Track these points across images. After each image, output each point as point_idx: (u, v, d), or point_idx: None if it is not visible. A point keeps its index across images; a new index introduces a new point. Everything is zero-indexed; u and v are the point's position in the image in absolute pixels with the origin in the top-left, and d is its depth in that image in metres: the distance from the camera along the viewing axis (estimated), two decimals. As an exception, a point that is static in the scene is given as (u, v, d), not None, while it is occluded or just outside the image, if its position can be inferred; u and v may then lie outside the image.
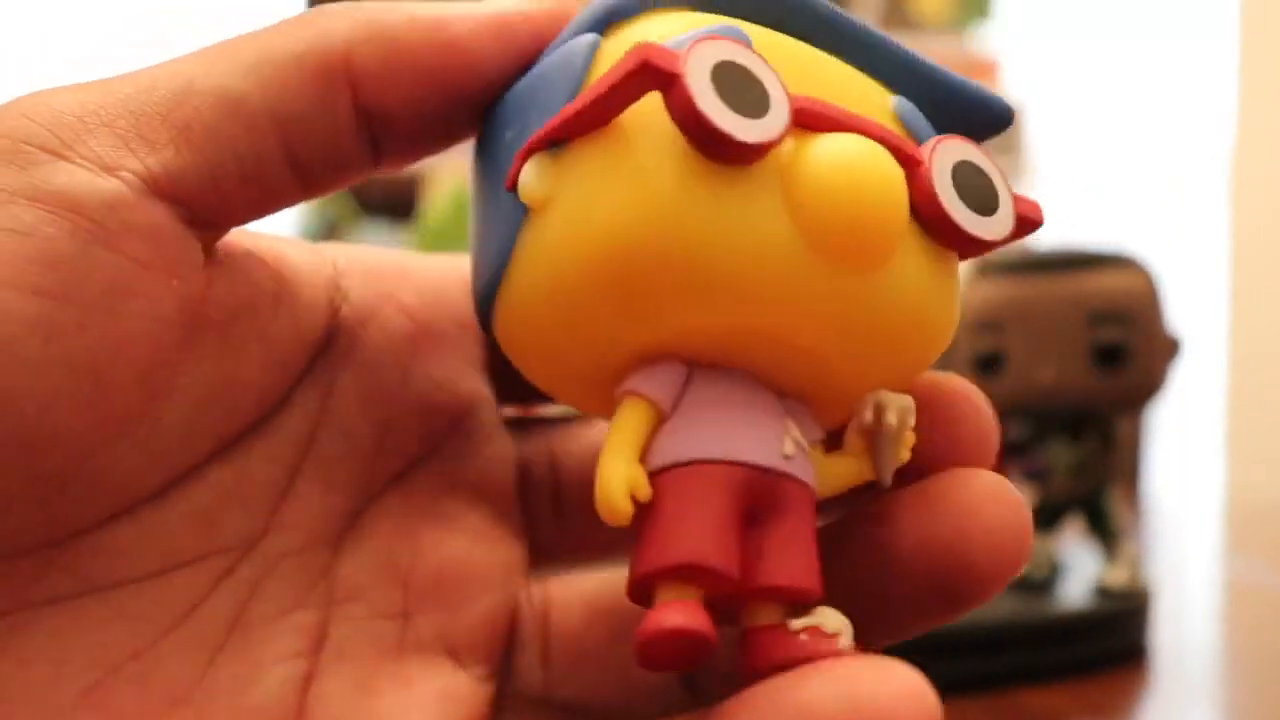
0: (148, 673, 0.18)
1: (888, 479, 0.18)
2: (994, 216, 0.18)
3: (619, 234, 0.16)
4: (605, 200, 0.16)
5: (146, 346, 0.17)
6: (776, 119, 0.16)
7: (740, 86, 0.16)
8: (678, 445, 0.16)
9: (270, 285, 0.19)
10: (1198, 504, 0.94)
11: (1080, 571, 0.42)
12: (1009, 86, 1.00)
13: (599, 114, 0.16)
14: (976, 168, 0.18)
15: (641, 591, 0.16)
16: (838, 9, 0.18)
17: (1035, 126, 0.98)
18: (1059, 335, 0.39)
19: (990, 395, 0.40)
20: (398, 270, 0.21)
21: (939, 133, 0.18)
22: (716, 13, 0.18)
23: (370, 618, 0.19)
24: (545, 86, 0.18)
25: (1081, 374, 0.39)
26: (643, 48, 0.15)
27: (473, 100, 0.19)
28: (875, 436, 0.18)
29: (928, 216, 0.17)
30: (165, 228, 0.17)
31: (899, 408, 0.18)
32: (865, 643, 0.18)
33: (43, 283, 0.16)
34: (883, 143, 0.17)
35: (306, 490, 0.19)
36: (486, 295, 0.18)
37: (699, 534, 0.16)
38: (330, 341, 0.20)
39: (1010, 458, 0.43)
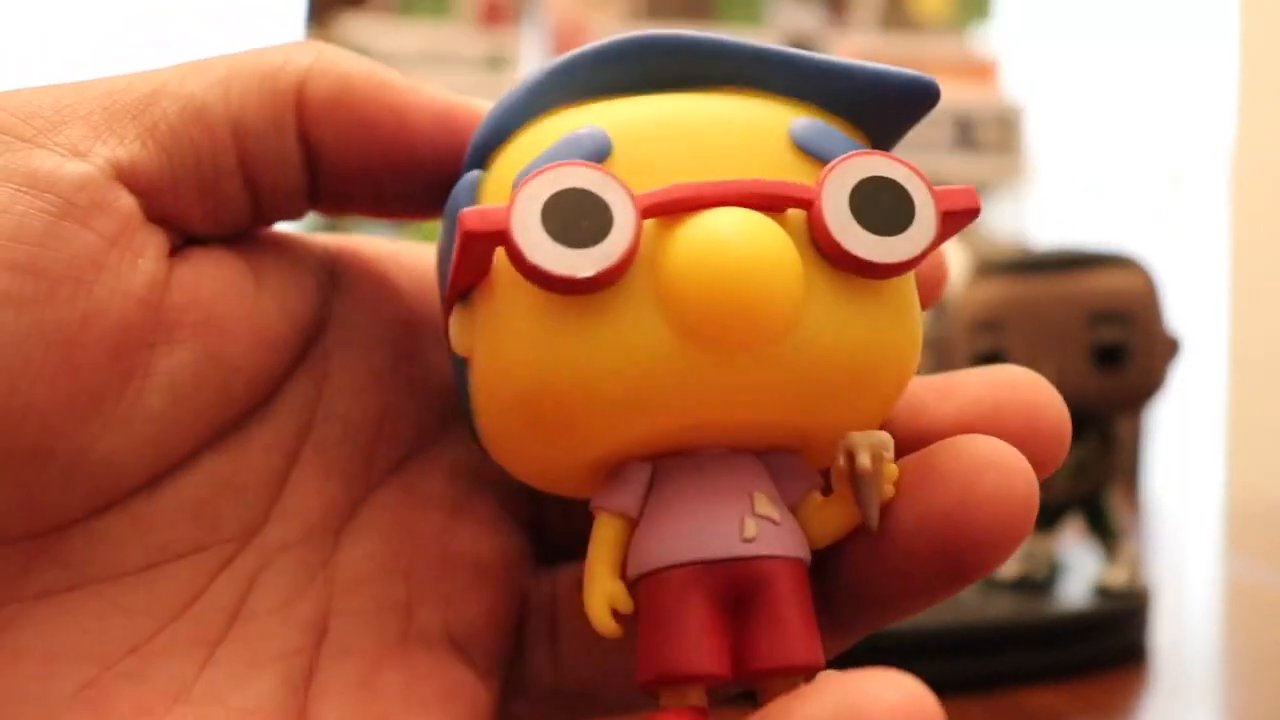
0: (145, 669, 0.18)
1: (874, 521, 0.17)
2: (905, 233, 0.16)
3: (516, 382, 0.17)
4: (499, 350, 0.17)
5: (116, 322, 0.17)
6: (619, 238, 0.16)
7: (577, 214, 0.16)
8: (645, 555, 0.17)
9: (251, 269, 0.19)
10: (1198, 504, 0.94)
11: (1080, 571, 0.42)
12: (1009, 86, 1.00)
13: (466, 278, 0.17)
14: (883, 181, 0.17)
15: (647, 692, 0.17)
16: (732, 39, 0.18)
17: (1035, 126, 0.98)
18: (1059, 335, 0.39)
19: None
20: (391, 258, 0.21)
21: (872, 125, 0.18)
22: (599, 93, 0.18)
23: (372, 610, 0.19)
24: (448, 226, 0.18)
25: (1081, 374, 0.39)
26: (463, 217, 0.16)
27: (403, 171, 0.19)
28: (854, 480, 0.17)
29: (829, 253, 0.16)
30: (131, 212, 0.17)
31: (871, 447, 0.17)
32: (875, 622, 0.18)
33: (12, 256, 0.16)
34: (761, 200, 0.16)
35: (305, 480, 0.19)
36: (466, 411, 0.18)
37: (679, 644, 0.16)
38: (324, 328, 0.20)
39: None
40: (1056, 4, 1.74)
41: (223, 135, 0.18)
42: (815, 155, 0.17)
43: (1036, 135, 1.00)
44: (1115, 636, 0.38)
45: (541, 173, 0.16)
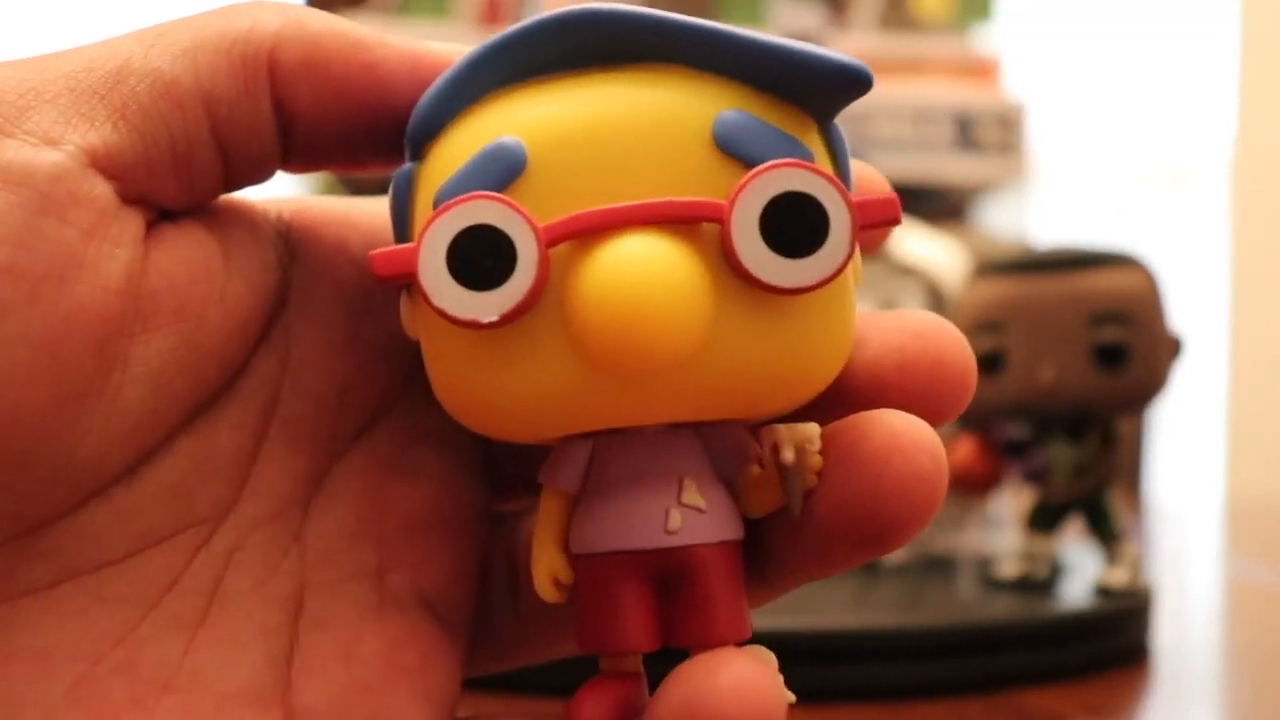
0: (132, 660, 0.18)
1: (796, 509, 0.18)
2: (818, 253, 0.16)
3: (441, 394, 0.18)
4: (428, 360, 0.18)
5: (97, 318, 0.17)
6: (523, 277, 0.16)
7: (482, 252, 0.16)
8: (580, 537, 0.18)
9: (220, 248, 0.19)
10: (1198, 504, 0.94)
11: (1080, 572, 0.42)
12: (1009, 86, 1.00)
13: (399, 283, 0.17)
14: (798, 198, 0.16)
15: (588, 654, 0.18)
16: (666, 15, 0.17)
17: (1035, 126, 0.98)
18: (1059, 335, 0.39)
19: (990, 395, 0.40)
20: (344, 217, 0.21)
21: (806, 103, 0.17)
22: (533, 71, 0.18)
23: (345, 579, 0.19)
24: (395, 210, 0.19)
25: (1082, 374, 0.39)
26: (374, 259, 0.17)
27: (381, 128, 0.19)
28: (779, 470, 0.18)
29: (738, 273, 0.17)
30: (106, 200, 0.17)
31: (795, 442, 0.17)
32: (799, 583, 0.19)
33: None
34: (671, 219, 0.16)
35: (274, 455, 0.19)
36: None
37: (610, 623, 0.18)
38: (284, 300, 0.20)
39: (1010, 458, 0.43)
40: (1057, 4, 1.74)
41: (194, 109, 0.18)
42: (738, 157, 0.17)
43: (1037, 135, 1.00)
44: (1116, 637, 0.38)
45: (449, 209, 0.16)
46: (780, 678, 0.17)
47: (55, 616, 0.17)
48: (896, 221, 0.17)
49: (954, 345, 0.18)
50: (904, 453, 0.17)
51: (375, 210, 0.21)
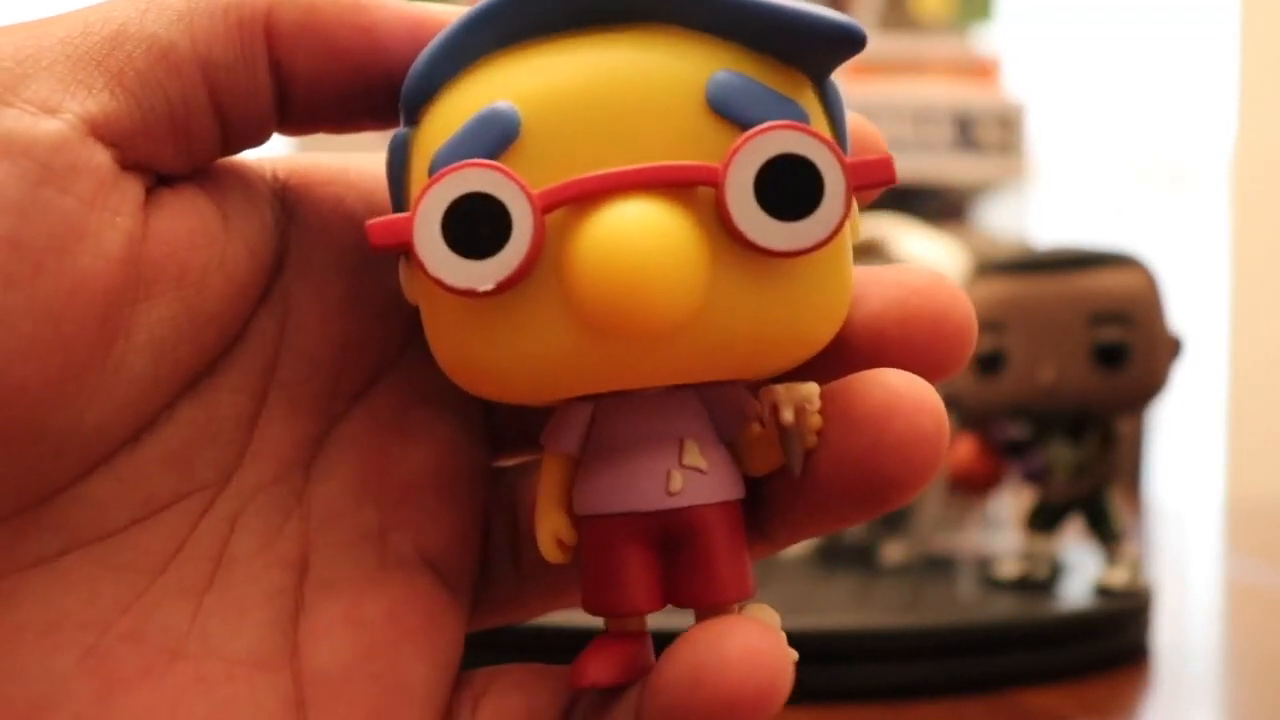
0: (140, 628, 0.18)
1: (797, 470, 0.18)
2: (813, 215, 0.16)
3: (441, 358, 0.18)
4: (426, 326, 0.18)
5: (100, 288, 0.17)
6: (518, 245, 0.16)
7: (477, 220, 0.16)
8: (582, 499, 0.18)
9: (218, 211, 0.19)
10: (1198, 504, 0.94)
11: (1080, 572, 0.42)
12: (1009, 86, 1.00)
13: (396, 251, 0.17)
14: (793, 160, 0.16)
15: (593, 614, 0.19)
16: None
17: (1036, 126, 0.98)
18: (1059, 335, 0.39)
19: (990, 395, 0.40)
20: (340, 175, 0.21)
21: (800, 62, 0.17)
22: (525, 34, 0.17)
23: (348, 541, 0.19)
24: (392, 172, 0.18)
25: (1082, 374, 0.39)
26: (370, 229, 0.17)
27: (378, 89, 0.19)
28: (778, 430, 0.18)
29: (733, 236, 0.17)
30: (106, 168, 0.17)
31: (794, 401, 0.17)
32: (800, 538, 0.19)
33: None
34: (665, 183, 0.16)
35: (274, 418, 0.19)
36: None
37: (614, 585, 0.18)
38: (282, 262, 0.20)
39: (1010, 458, 0.43)
40: (1057, 4, 1.74)
41: (191, 74, 0.18)
42: (732, 119, 0.17)
43: (1037, 135, 1.00)
44: (1116, 637, 0.38)
45: (443, 177, 0.16)
46: (784, 637, 0.17)
47: (62, 586, 0.18)
48: (892, 181, 0.17)
49: (954, 301, 0.18)
50: (904, 413, 0.17)
51: (372, 167, 0.21)
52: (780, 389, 0.17)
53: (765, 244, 0.16)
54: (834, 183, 0.16)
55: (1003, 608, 0.37)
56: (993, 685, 0.35)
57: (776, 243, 0.16)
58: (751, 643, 0.16)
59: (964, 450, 0.44)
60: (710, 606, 0.18)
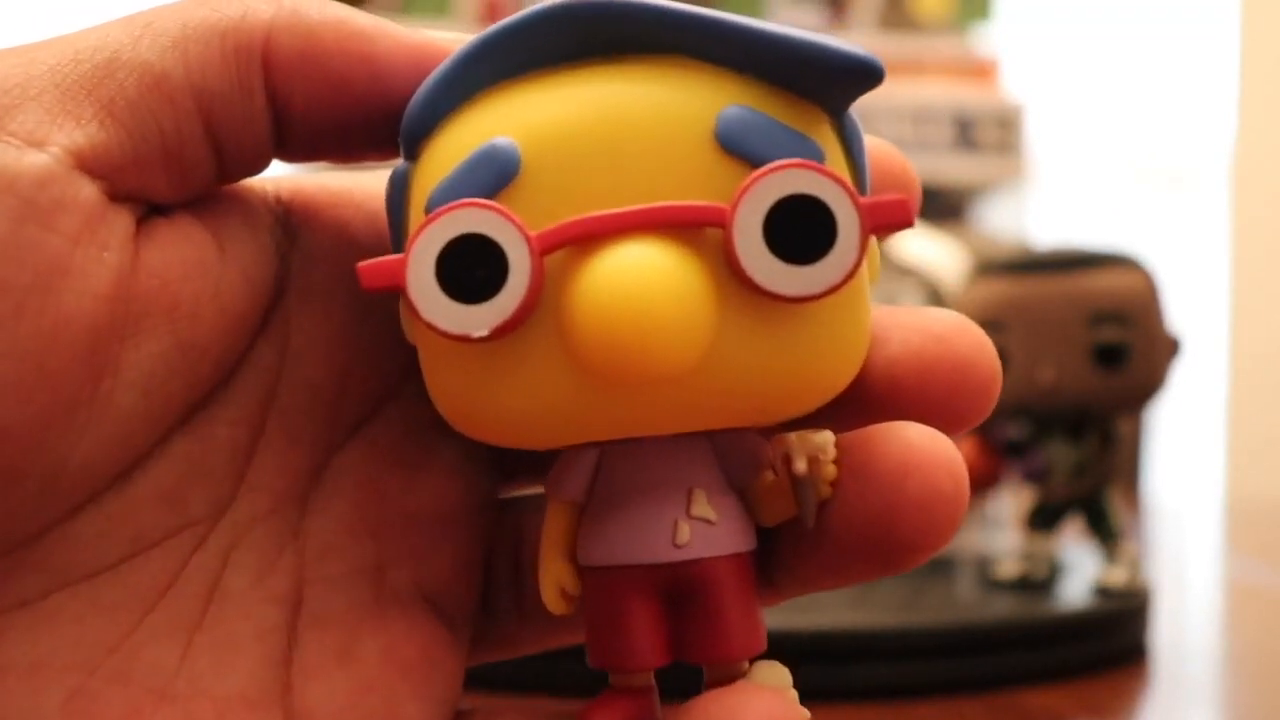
0: (127, 668, 0.17)
1: (809, 520, 0.17)
2: (825, 259, 0.16)
3: (438, 404, 0.17)
4: (423, 370, 0.17)
5: (86, 327, 0.16)
6: (515, 290, 0.16)
7: (472, 263, 0.16)
8: (587, 549, 0.17)
9: (214, 239, 0.18)
10: (1198, 504, 0.94)
11: (1080, 571, 0.42)
12: (1009, 86, 1.00)
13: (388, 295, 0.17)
14: (804, 201, 0.16)
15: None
16: (667, 5, 0.16)
17: (1035, 126, 0.98)
18: (1059, 335, 0.39)
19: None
20: (344, 198, 0.20)
21: (815, 96, 0.17)
22: (530, 65, 0.17)
23: (344, 575, 0.19)
24: (391, 206, 0.18)
25: (1082, 374, 0.39)
26: (362, 271, 0.16)
27: (379, 121, 0.18)
28: (791, 481, 0.17)
29: (741, 280, 0.16)
30: (94, 202, 0.16)
31: (807, 451, 0.16)
32: (810, 591, 0.19)
33: None
34: (670, 224, 0.16)
35: (271, 450, 0.19)
36: None
37: (619, 641, 0.17)
38: (282, 289, 0.19)
39: (1010, 458, 0.43)
40: (1057, 4, 1.74)
41: (185, 103, 0.17)
42: (743, 156, 0.16)
43: (1036, 135, 1.00)
44: (1115, 637, 0.38)
45: (437, 217, 0.16)
46: (795, 697, 0.17)
47: (48, 627, 0.17)
48: (909, 224, 0.16)
49: (977, 350, 0.17)
50: (921, 470, 0.16)
51: (378, 188, 0.20)
52: (793, 437, 0.17)
53: (774, 289, 0.16)
54: (848, 225, 0.16)
55: (1002, 607, 0.37)
56: (992, 685, 0.35)
57: (786, 288, 0.16)
58: (769, 715, 0.16)
59: (964, 450, 0.44)
60: (719, 662, 0.17)
